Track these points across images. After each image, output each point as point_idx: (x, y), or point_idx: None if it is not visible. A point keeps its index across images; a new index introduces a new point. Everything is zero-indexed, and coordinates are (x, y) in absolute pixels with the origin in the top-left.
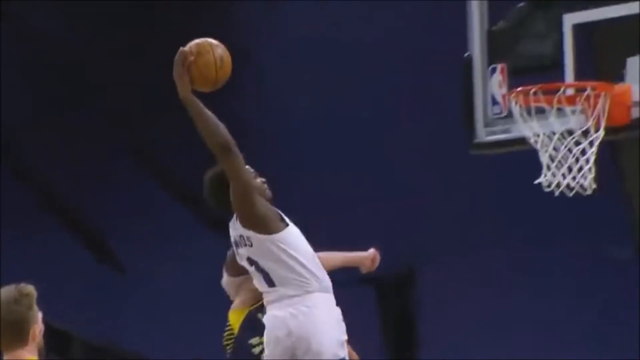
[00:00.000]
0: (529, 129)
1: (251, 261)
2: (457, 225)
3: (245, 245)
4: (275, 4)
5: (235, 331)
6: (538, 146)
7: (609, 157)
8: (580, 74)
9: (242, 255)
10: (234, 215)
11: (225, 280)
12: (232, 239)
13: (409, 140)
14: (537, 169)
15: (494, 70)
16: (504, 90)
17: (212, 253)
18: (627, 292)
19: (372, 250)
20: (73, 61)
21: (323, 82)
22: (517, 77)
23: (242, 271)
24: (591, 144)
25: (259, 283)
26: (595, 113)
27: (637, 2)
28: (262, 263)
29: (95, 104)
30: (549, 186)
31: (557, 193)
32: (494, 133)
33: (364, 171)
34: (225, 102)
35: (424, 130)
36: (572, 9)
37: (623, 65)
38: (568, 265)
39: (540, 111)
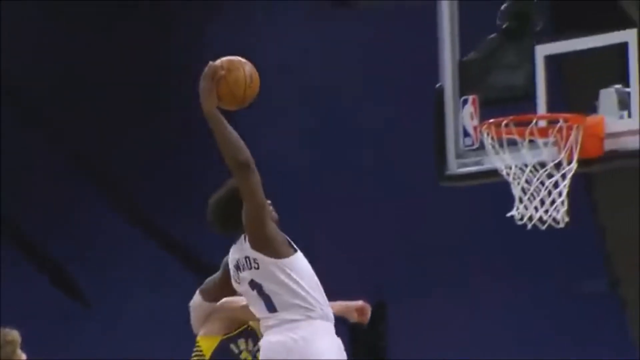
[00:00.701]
0: (500, 161)
1: (254, 284)
2: (428, 258)
3: (251, 267)
4: (246, 28)
5: (207, 358)
6: (510, 178)
7: (582, 190)
8: (552, 106)
9: (244, 278)
10: (241, 237)
11: (197, 302)
12: (233, 262)
13: (379, 172)
14: (509, 201)
15: (465, 102)
16: (476, 121)
17: (178, 283)
18: (601, 326)
19: (360, 302)
20: (31, 91)
21: (292, 111)
22: (489, 109)
23: (217, 299)
24: (564, 176)
25: (258, 308)
26: (568, 145)
27: (609, 34)
28: (267, 286)
29: (56, 140)
30: (521, 219)
31: (529, 226)
32: (466, 165)
33: (333, 203)
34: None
35: (394, 162)
36: (543, 40)
37: (595, 97)
38: (541, 299)
39: (513, 143)
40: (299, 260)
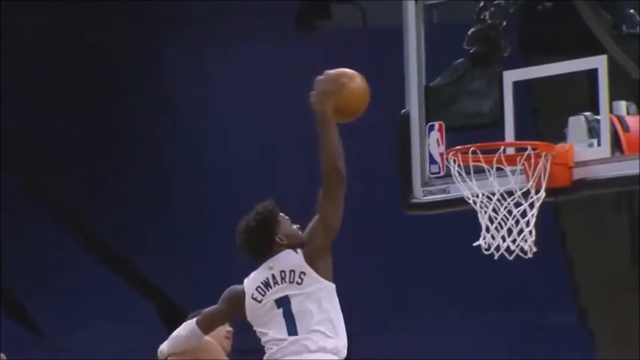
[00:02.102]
0: (467, 189)
1: (283, 302)
2: (392, 288)
3: (292, 281)
4: (207, 52)
5: None
6: (477, 207)
7: (551, 220)
8: (521, 133)
9: (272, 293)
10: (285, 252)
11: (192, 331)
12: (261, 280)
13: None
14: (476, 231)
15: (431, 128)
16: (442, 148)
17: (133, 310)
18: (570, 357)
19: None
20: None
21: (248, 137)
22: (455, 135)
23: (212, 330)
24: (531, 205)
25: (277, 328)
26: (536, 174)
27: (579, 60)
28: (297, 305)
29: (7, 167)
30: (488, 249)
31: (496, 256)
32: (432, 193)
33: None
34: (145, 150)
35: (358, 189)
36: (512, 66)
37: (565, 124)
38: (509, 330)
39: (480, 171)
40: (335, 292)
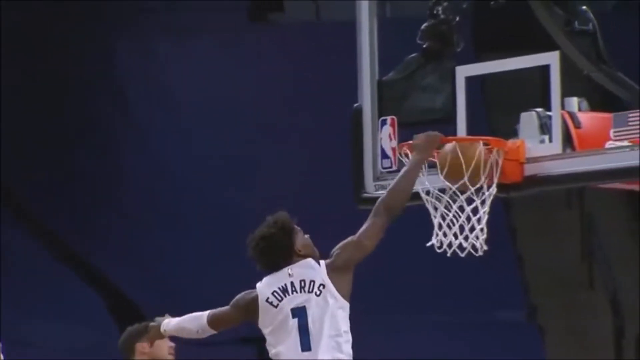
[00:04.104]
0: (419, 184)
1: (300, 312)
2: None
3: (311, 291)
4: (159, 44)
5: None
6: (429, 203)
7: (501, 216)
8: (473, 129)
9: (289, 301)
10: (306, 262)
11: (202, 327)
12: (278, 285)
13: (295, 193)
14: (425, 227)
15: (384, 122)
16: (394, 143)
17: (87, 307)
18: (520, 354)
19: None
20: None
21: (202, 130)
22: (408, 130)
23: (218, 328)
24: (483, 202)
25: (289, 343)
26: (488, 169)
27: (532, 56)
28: (316, 318)
29: None
30: (440, 246)
31: (449, 253)
32: (384, 187)
33: (245, 222)
34: (99, 141)
35: (310, 182)
36: (465, 61)
37: (516, 120)
38: (459, 327)
39: (432, 166)
40: (349, 311)
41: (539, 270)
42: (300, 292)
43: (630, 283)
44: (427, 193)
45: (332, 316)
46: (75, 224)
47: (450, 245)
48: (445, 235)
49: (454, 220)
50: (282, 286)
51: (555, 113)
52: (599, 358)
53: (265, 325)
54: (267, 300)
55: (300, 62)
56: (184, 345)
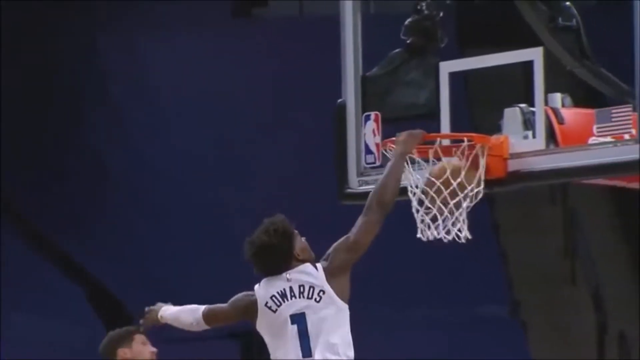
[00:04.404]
0: (404, 179)
1: (299, 318)
2: None
3: (310, 298)
4: (141, 38)
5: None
6: (413, 198)
7: (485, 211)
8: (456, 125)
9: (289, 306)
10: (303, 267)
11: (197, 320)
12: (276, 290)
13: (278, 188)
14: (410, 222)
15: (368, 118)
16: (378, 138)
17: (67, 301)
18: (503, 349)
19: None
20: None
21: (184, 124)
22: (392, 126)
23: (212, 325)
24: (465, 197)
25: (289, 349)
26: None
27: (515, 52)
28: (315, 324)
29: None
30: (426, 239)
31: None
32: (367, 183)
33: (229, 218)
34: (83, 138)
35: (293, 178)
36: (448, 57)
37: (500, 116)
38: (441, 323)
39: (416, 162)
40: (348, 313)
41: (522, 265)
42: (299, 297)
43: (613, 279)
44: (413, 188)
45: (333, 321)
46: (58, 219)
47: (434, 235)
48: (429, 228)
49: (438, 215)
50: (281, 291)
51: (539, 109)
52: (582, 353)
53: (264, 329)
54: (266, 305)
55: (283, 58)
56: (168, 342)
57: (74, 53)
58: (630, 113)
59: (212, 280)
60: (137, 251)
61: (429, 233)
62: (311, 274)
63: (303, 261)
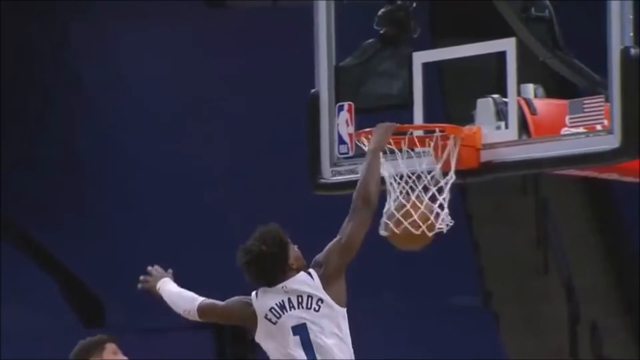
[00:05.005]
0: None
1: (301, 329)
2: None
3: (309, 308)
4: (114, 27)
5: None
6: (387, 189)
7: (457, 202)
8: (430, 115)
9: (289, 318)
10: (300, 276)
11: (191, 311)
12: (275, 301)
13: (251, 179)
14: (380, 212)
15: (341, 108)
16: (351, 129)
17: (40, 291)
18: (475, 339)
19: None
20: None
21: (156, 114)
22: (365, 116)
23: (204, 318)
24: (440, 189)
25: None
26: (445, 156)
27: (488, 42)
28: (318, 334)
29: None
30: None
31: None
32: (340, 173)
33: (200, 210)
34: (55, 127)
35: (266, 169)
36: (421, 47)
37: (473, 107)
38: (413, 314)
39: (390, 152)
40: (346, 316)
41: (495, 256)
42: (298, 308)
43: (585, 269)
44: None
45: (333, 327)
46: (29, 209)
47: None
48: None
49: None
50: (279, 303)
51: (512, 99)
52: (554, 343)
53: (265, 340)
54: (265, 317)
55: (256, 47)
56: (140, 332)
57: (46, 41)
58: (602, 104)
59: (189, 271)
60: (110, 241)
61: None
62: (308, 283)
63: (297, 270)
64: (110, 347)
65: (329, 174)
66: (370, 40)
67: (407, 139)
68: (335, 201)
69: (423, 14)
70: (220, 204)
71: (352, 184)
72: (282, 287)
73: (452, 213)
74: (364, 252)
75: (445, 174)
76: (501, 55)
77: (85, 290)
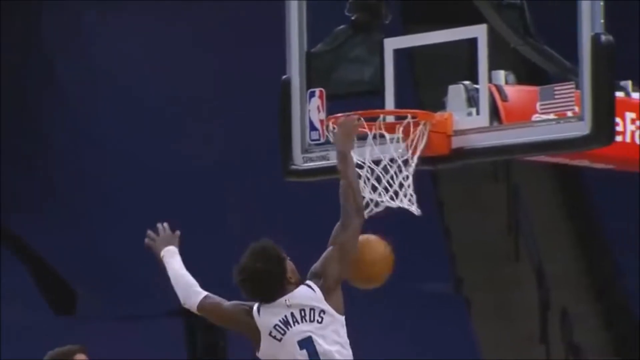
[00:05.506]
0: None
1: (307, 342)
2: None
3: (313, 320)
4: (85, 21)
5: None
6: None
7: (428, 188)
8: (400, 101)
9: (294, 334)
10: (301, 289)
11: (192, 305)
12: (279, 318)
13: (221, 165)
14: None
15: (312, 95)
16: (323, 115)
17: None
18: (446, 326)
19: None
20: None
21: (129, 103)
22: (336, 103)
23: (202, 315)
24: (410, 174)
25: None
26: (415, 142)
27: (459, 29)
28: (324, 345)
29: None
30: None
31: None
32: (312, 160)
33: (172, 199)
34: (27, 116)
35: (237, 155)
36: (393, 34)
37: (444, 93)
38: (384, 299)
39: (362, 138)
40: (344, 323)
41: (466, 242)
42: (302, 321)
43: (555, 255)
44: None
45: (335, 335)
46: (3, 197)
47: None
48: (376, 205)
49: (382, 192)
50: (283, 319)
51: (483, 86)
52: (524, 330)
53: (269, 356)
54: (270, 334)
55: (228, 34)
56: (111, 320)
57: (18, 30)
58: (573, 90)
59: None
60: (83, 231)
61: (374, 209)
62: (310, 296)
63: (295, 283)
64: (80, 357)
65: (300, 161)
66: (341, 27)
67: (377, 125)
68: (336, 202)
69: (395, 0)
70: (195, 192)
71: (323, 170)
72: (285, 300)
73: (424, 200)
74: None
75: (408, 160)
76: (472, 42)
77: (58, 279)
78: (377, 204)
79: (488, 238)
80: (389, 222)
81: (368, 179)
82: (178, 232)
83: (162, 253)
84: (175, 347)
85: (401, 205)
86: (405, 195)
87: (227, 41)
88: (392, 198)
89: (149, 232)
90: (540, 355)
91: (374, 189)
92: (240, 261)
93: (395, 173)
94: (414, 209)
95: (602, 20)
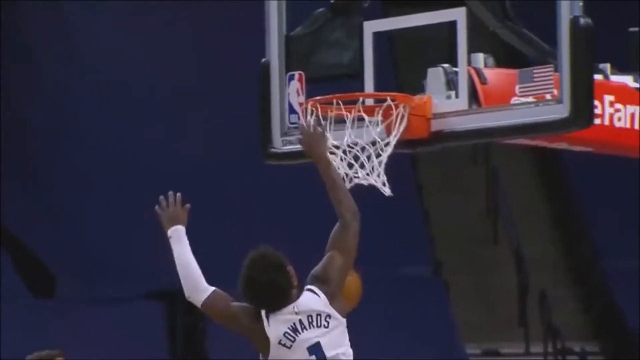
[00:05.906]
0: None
1: (316, 348)
2: (250, 240)
3: (320, 326)
4: (60, 8)
5: None
6: (337, 158)
7: (408, 171)
8: (381, 84)
9: (303, 341)
10: (306, 295)
11: (196, 300)
12: (288, 325)
13: (200, 149)
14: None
15: (291, 78)
16: (302, 98)
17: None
18: (425, 308)
19: None
20: None
21: (114, 91)
22: (315, 86)
23: (205, 310)
24: (384, 156)
25: None
26: (394, 125)
27: (439, 12)
28: (331, 349)
29: None
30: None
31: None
32: (291, 143)
33: (150, 181)
34: (7, 102)
35: (217, 138)
36: (372, 17)
37: (423, 76)
38: (364, 282)
39: (341, 121)
40: (346, 324)
41: (445, 225)
42: (310, 327)
43: (534, 238)
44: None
45: (339, 337)
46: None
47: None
48: (350, 180)
49: (359, 175)
50: (292, 326)
51: (462, 69)
52: (503, 313)
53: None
54: (279, 343)
55: (207, 18)
56: (90, 303)
57: None
58: (551, 73)
59: (144, 246)
60: (61, 214)
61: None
62: (316, 302)
63: (296, 287)
64: None
65: (279, 144)
66: (320, 10)
67: (357, 108)
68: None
69: None
70: (176, 176)
71: (302, 153)
72: (293, 307)
73: (403, 182)
74: (316, 221)
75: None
76: (452, 25)
77: (37, 262)
78: (350, 180)
79: (467, 221)
80: (368, 205)
81: (344, 157)
82: (188, 206)
83: (170, 233)
84: (155, 329)
85: (375, 184)
86: (378, 176)
87: (201, 23)
88: (367, 175)
89: (161, 198)
90: (519, 337)
91: (350, 166)
92: (244, 272)
93: (371, 154)
94: (386, 190)
95: (580, 3)
